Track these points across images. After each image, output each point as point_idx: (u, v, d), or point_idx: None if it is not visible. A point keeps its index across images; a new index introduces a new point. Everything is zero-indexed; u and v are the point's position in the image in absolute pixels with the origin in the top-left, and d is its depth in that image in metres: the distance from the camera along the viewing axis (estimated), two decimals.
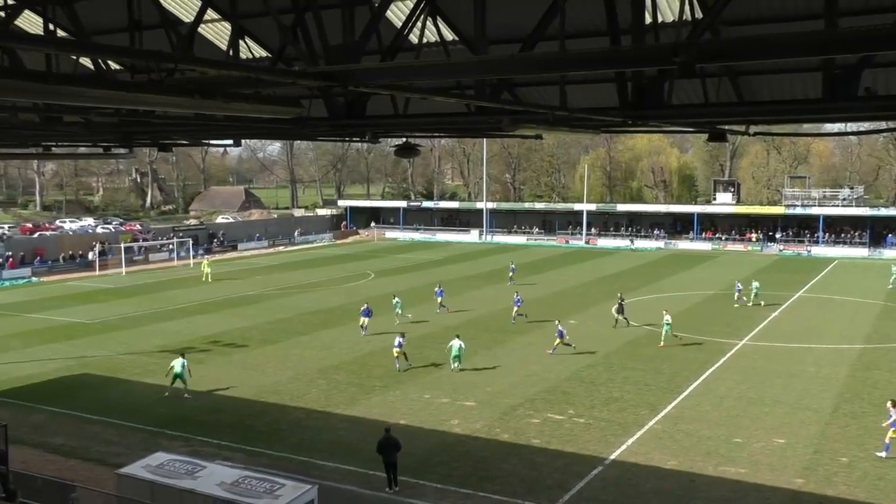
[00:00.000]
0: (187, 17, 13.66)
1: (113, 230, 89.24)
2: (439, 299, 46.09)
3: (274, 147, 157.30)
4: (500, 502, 20.48)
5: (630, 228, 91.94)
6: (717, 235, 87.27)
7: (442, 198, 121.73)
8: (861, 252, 77.54)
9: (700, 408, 27.93)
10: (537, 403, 28.48)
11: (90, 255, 70.00)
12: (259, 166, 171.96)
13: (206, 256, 71.99)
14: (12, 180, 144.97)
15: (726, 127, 17.99)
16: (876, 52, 9.34)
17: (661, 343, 36.53)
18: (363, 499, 20.81)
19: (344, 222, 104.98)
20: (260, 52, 14.73)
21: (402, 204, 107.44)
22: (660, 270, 66.31)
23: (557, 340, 35.39)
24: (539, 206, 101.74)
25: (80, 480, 20.17)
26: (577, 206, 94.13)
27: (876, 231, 79.82)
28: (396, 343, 33.29)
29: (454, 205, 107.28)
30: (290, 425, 26.59)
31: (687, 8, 10.53)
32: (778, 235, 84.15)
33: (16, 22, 13.29)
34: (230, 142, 27.26)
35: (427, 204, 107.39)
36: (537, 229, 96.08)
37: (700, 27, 8.70)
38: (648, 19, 10.43)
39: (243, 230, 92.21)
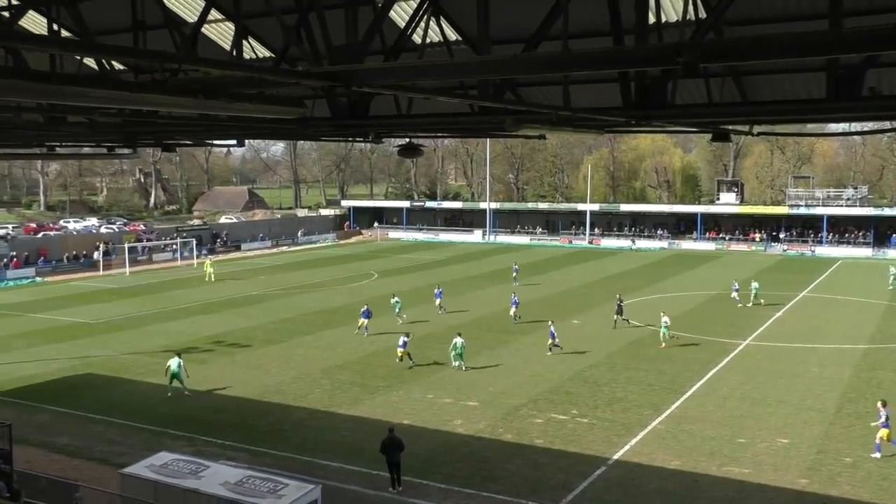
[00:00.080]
0: (191, 17, 13.67)
1: (117, 230, 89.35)
2: (438, 300, 46.11)
3: (277, 147, 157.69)
4: (504, 502, 20.47)
5: (633, 228, 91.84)
6: (720, 235, 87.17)
7: (445, 198, 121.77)
8: (865, 252, 77.38)
9: (703, 408, 27.90)
10: (540, 403, 28.47)
11: (95, 255, 70.06)
12: (262, 166, 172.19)
13: (209, 256, 72.04)
14: (16, 180, 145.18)
15: (730, 127, 17.96)
16: (880, 52, 9.31)
17: (662, 344, 36.48)
18: (367, 499, 20.82)
19: (347, 222, 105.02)
20: (263, 52, 14.74)
21: (406, 204, 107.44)
22: (663, 270, 66.24)
23: (549, 341, 35.45)
24: (542, 206, 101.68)
25: (84, 480, 20.21)
26: (580, 207, 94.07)
27: (880, 231, 79.63)
28: (401, 343, 33.55)
29: (457, 205, 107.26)
30: (294, 425, 26.61)
31: (690, 8, 10.52)
32: (782, 235, 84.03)
33: (20, 22, 13.33)
34: (234, 142, 27.29)
35: (430, 204, 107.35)
36: (540, 229, 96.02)
37: (703, 27, 8.68)
38: (652, 19, 10.41)
39: (247, 230, 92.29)
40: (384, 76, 10.11)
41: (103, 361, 35.29)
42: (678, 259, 75.22)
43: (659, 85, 12.34)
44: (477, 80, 13.56)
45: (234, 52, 11.31)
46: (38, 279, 64.34)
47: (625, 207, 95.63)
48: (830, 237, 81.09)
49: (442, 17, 12.38)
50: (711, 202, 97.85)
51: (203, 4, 11.89)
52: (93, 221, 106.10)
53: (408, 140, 20.09)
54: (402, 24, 11.98)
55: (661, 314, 37.85)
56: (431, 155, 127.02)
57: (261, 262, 74.69)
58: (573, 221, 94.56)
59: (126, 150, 26.68)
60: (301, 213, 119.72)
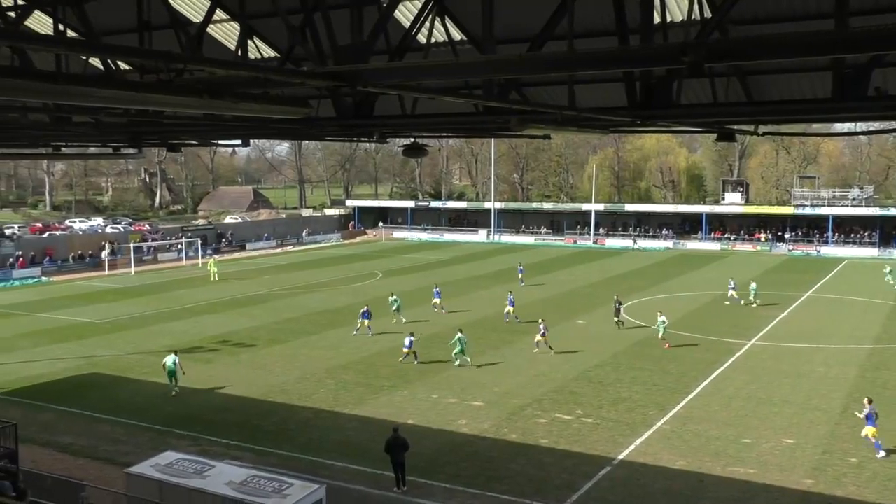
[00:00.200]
0: (196, 17, 13.70)
1: (122, 230, 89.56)
2: (437, 300, 46.11)
3: (282, 147, 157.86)
4: (509, 502, 20.47)
5: (638, 228, 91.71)
6: (725, 235, 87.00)
7: (450, 198, 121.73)
8: (871, 252, 77.17)
9: (709, 408, 27.86)
10: (545, 403, 28.45)
11: (103, 255, 70.20)
12: (267, 166, 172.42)
13: (213, 256, 72.18)
14: (22, 180, 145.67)
15: (735, 127, 17.94)
16: (886, 51, 9.30)
17: (667, 344, 36.40)
18: (371, 498, 20.83)
19: (352, 222, 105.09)
20: (268, 52, 14.76)
21: (410, 204, 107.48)
22: (668, 271, 66.16)
23: (538, 338, 35.49)
24: (547, 206, 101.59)
25: (90, 479, 20.28)
26: (585, 206, 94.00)
27: (886, 231, 79.39)
28: (407, 342, 33.70)
29: (462, 205, 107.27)
30: (299, 425, 26.64)
31: (696, 7, 10.50)
32: (787, 235, 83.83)
33: (26, 22, 13.36)
34: (239, 142, 27.34)
35: (435, 204, 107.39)
36: (545, 229, 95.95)
37: (709, 26, 8.67)
38: (657, 19, 10.40)
39: (251, 230, 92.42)
40: (389, 76, 10.12)
41: (108, 361, 35.37)
42: (683, 259, 75.11)
43: (664, 85, 12.31)
44: (482, 80, 13.56)
45: (240, 53, 11.32)
46: (43, 279, 64.51)
47: (629, 207, 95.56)
48: (836, 237, 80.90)
49: (447, 17, 12.38)
50: (716, 202, 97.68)
51: (208, 4, 11.91)
52: (98, 221, 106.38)
53: (413, 140, 20.10)
54: (406, 24, 11.99)
55: (658, 314, 37.78)
56: (436, 155, 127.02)
57: (265, 262, 74.78)
58: (578, 221, 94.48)
59: (131, 150, 26.74)
60: (306, 212, 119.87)
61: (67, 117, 17.12)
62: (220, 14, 13.15)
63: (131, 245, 70.10)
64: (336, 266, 70.24)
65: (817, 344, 37.53)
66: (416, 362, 33.57)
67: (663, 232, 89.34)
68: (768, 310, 45.96)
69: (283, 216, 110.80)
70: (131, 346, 38.19)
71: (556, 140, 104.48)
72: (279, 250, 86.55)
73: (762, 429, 25.63)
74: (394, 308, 42.61)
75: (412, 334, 34.46)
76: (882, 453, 23.04)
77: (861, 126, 38.07)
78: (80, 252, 71.46)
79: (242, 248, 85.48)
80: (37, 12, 13.75)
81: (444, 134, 37.95)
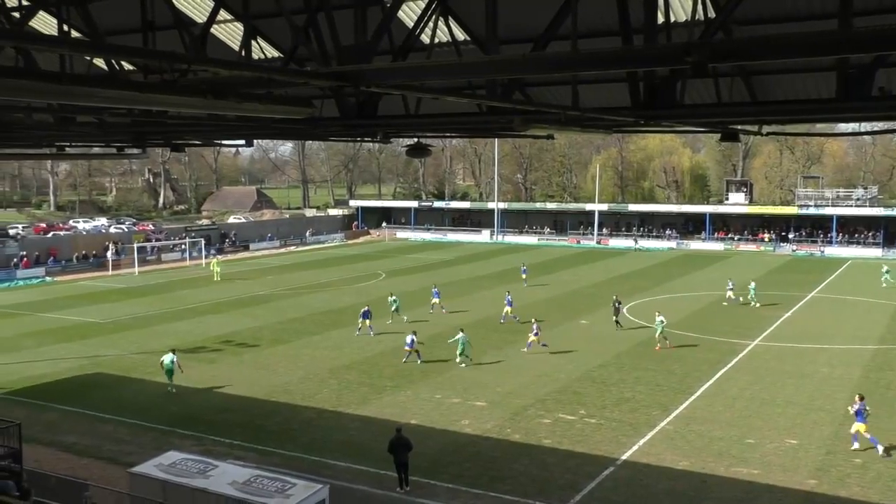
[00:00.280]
0: (200, 17, 13.72)
1: (126, 230, 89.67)
2: (436, 300, 46.14)
3: (286, 147, 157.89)
4: (512, 502, 20.46)
5: (642, 229, 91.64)
6: (729, 236, 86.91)
7: (453, 198, 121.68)
8: (875, 252, 76.99)
9: (712, 408, 27.83)
10: (548, 403, 28.44)
11: (108, 255, 70.29)
12: (271, 166, 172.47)
13: (216, 256, 72.29)
14: (26, 180, 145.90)
15: (739, 127, 17.90)
16: (890, 51, 9.28)
17: (666, 345, 36.32)
18: (374, 498, 20.84)
19: (355, 222, 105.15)
20: (272, 52, 14.77)
21: (414, 204, 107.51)
22: (671, 271, 66.10)
23: (532, 338, 35.46)
24: (550, 206, 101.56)
25: (93, 479, 20.31)
26: (588, 207, 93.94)
27: (890, 231, 79.23)
28: (409, 341, 33.75)
29: (465, 205, 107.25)
30: (302, 425, 26.66)
31: (699, 7, 10.49)
32: (791, 236, 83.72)
33: (30, 23, 13.39)
34: (242, 142, 27.35)
35: (438, 204, 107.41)
36: (548, 229, 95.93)
37: (713, 26, 8.66)
38: (661, 19, 10.39)
39: (255, 230, 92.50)
40: (392, 76, 10.12)
41: (112, 361, 35.42)
42: (687, 259, 75.03)
43: (668, 85, 12.30)
44: (485, 80, 13.55)
45: (243, 53, 11.33)
46: (47, 279, 64.63)
47: (633, 207, 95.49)
48: (840, 237, 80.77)
49: (450, 17, 12.38)
50: (720, 202, 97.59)
51: (212, 5, 11.93)
52: (102, 221, 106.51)
53: (416, 140, 20.09)
54: (410, 24, 11.99)
55: (657, 314, 37.74)
56: (439, 155, 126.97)
57: (269, 262, 74.84)
58: (581, 221, 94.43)
59: (135, 150, 26.81)
60: (309, 213, 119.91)
61: (71, 117, 17.15)
62: (223, 14, 13.16)
63: (135, 245, 70.18)
64: (339, 266, 70.28)
65: (821, 344, 37.47)
66: (419, 361, 33.62)
67: (667, 232, 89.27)
68: (771, 310, 45.90)
69: (287, 216, 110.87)
70: (135, 346, 38.24)
71: (559, 140, 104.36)
72: (283, 250, 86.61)
73: (766, 429, 25.60)
74: (393, 308, 42.67)
75: (414, 333, 34.49)
76: (880, 448, 23.14)
77: (865, 126, 38.01)
78: (83, 252, 71.59)
79: (246, 248, 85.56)
80: (41, 13, 13.78)
81: (448, 134, 37.95)
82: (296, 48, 11.30)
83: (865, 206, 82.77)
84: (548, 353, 35.39)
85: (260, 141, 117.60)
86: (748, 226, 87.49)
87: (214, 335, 40.49)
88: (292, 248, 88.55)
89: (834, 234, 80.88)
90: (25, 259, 66.27)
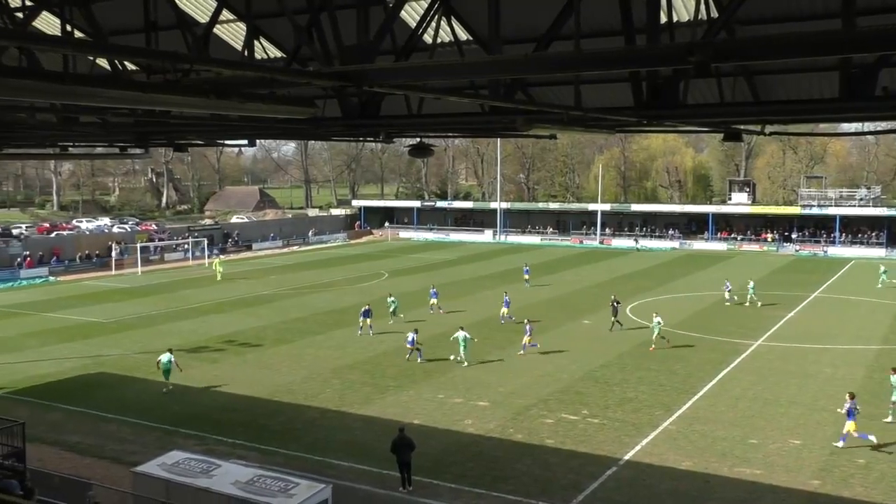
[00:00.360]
0: (203, 17, 13.72)
1: (129, 230, 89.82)
2: (434, 300, 46.14)
3: (288, 147, 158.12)
4: (514, 502, 20.46)
5: (644, 229, 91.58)
6: (732, 236, 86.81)
7: (456, 198, 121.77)
8: (878, 252, 76.85)
9: (715, 408, 27.81)
10: (551, 403, 28.43)
11: (113, 255, 70.37)
12: (274, 166, 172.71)
13: (219, 256, 72.38)
14: (30, 180, 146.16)
15: (742, 127, 17.89)
16: (894, 51, 9.25)
17: (668, 343, 36.30)
18: (377, 498, 20.85)
19: (358, 222, 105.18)
20: (275, 52, 14.77)
21: (416, 204, 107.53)
22: (674, 271, 66.06)
23: (526, 338, 35.42)
24: (553, 206, 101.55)
25: (97, 478, 20.35)
26: (591, 207, 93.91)
27: (893, 231, 79.06)
28: (410, 340, 33.87)
29: (468, 205, 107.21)
30: (305, 424, 26.68)
31: (702, 7, 10.48)
32: (794, 236, 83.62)
33: (34, 23, 13.41)
34: (245, 142, 27.38)
35: (441, 204, 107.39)
36: (551, 229, 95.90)
37: (715, 26, 8.65)
38: (663, 18, 10.38)
39: (258, 230, 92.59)
40: (395, 76, 10.12)
41: (115, 360, 35.47)
42: (689, 259, 74.97)
43: (670, 84, 12.29)
44: (488, 80, 13.55)
45: (246, 53, 11.34)
46: (51, 278, 64.73)
47: (636, 207, 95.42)
48: (843, 237, 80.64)
49: (453, 17, 12.37)
50: (723, 202, 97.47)
51: (215, 5, 11.93)
52: (105, 221, 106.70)
53: (418, 140, 20.10)
54: (413, 24, 11.99)
55: (654, 314, 37.70)
56: (442, 155, 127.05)
57: (272, 262, 74.89)
58: (584, 221, 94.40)
59: (138, 150, 26.81)
60: (312, 212, 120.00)
61: (75, 117, 17.17)
62: (226, 14, 13.16)
63: (138, 245, 70.27)
64: (342, 266, 70.32)
65: (824, 344, 37.42)
66: (419, 360, 33.66)
67: (669, 232, 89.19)
68: (775, 310, 45.84)
69: (290, 216, 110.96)
70: (138, 346, 38.29)
71: (562, 140, 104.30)
72: (285, 250, 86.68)
73: (769, 429, 25.57)
74: (391, 310, 42.70)
75: (415, 331, 34.59)
76: (873, 438, 23.48)
77: (868, 126, 37.93)
78: (87, 252, 71.71)
79: (249, 247, 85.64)
80: (44, 13, 13.80)
81: (451, 134, 37.96)
82: (298, 48, 11.30)
83: (869, 206, 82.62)
84: (549, 354, 35.37)
85: (263, 141, 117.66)
86: (751, 226, 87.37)
87: (217, 335, 40.53)
88: (295, 247, 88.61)
89: (837, 234, 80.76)
90: (29, 259, 66.39)
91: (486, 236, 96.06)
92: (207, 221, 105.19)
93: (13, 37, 9.22)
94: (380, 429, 25.21)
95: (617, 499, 20.66)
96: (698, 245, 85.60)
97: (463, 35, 12.95)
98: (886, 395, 27.37)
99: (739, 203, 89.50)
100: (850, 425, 23.53)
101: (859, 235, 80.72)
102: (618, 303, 41.77)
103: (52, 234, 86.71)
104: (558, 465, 22.85)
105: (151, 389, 30.86)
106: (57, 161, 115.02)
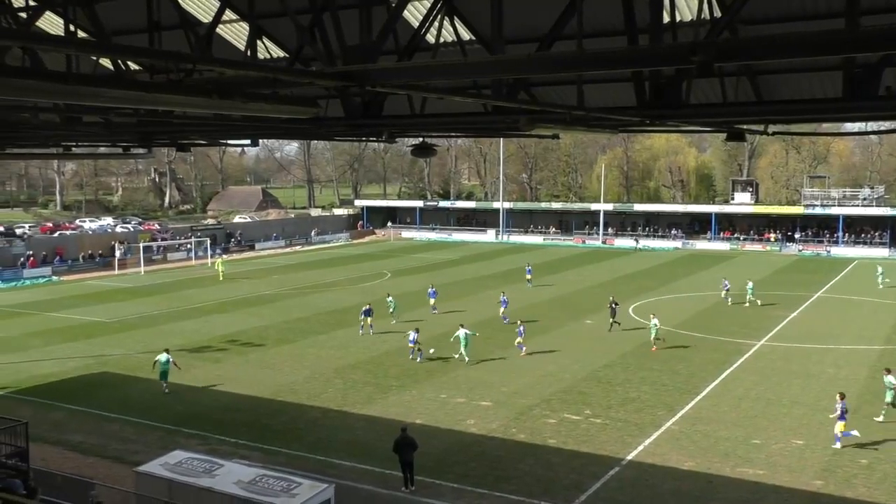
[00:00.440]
0: (205, 17, 13.73)
1: (132, 230, 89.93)
2: (432, 300, 46.16)
3: (291, 147, 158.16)
4: (516, 502, 20.46)
5: (647, 228, 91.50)
6: (735, 235, 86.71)
7: (458, 197, 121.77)
8: (881, 252, 76.74)
9: (718, 408, 27.78)
10: (553, 403, 28.42)
11: (118, 254, 70.44)
12: (276, 166, 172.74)
13: (221, 255, 72.43)
14: (33, 180, 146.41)
15: (745, 126, 17.87)
16: None
17: (662, 342, 36.21)
18: (380, 498, 20.86)
19: (360, 222, 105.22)
20: (277, 52, 14.79)
21: (419, 204, 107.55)
22: (677, 271, 66.00)
23: (518, 339, 35.39)
24: (556, 205, 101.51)
25: (99, 478, 20.38)
26: (593, 206, 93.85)
27: None
28: (411, 338, 33.96)
29: (471, 204, 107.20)
30: (307, 424, 26.69)
31: (705, 7, 10.47)
32: (797, 235, 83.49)
33: (37, 23, 13.42)
34: (248, 142, 27.39)
35: (443, 204, 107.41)
36: (554, 229, 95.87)
37: (718, 26, 8.64)
38: (666, 18, 10.37)
39: (260, 230, 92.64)
40: (398, 76, 10.12)
41: (118, 360, 35.52)
42: (692, 259, 74.90)
43: (673, 84, 12.27)
44: (490, 80, 13.55)
45: (249, 53, 11.34)
46: (54, 278, 64.82)
47: (638, 207, 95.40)
48: (846, 237, 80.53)
49: (456, 17, 12.38)
50: (726, 202, 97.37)
51: (218, 5, 11.95)
52: (108, 221, 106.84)
53: (421, 139, 20.10)
54: (415, 24, 11.99)
55: (651, 315, 37.67)
56: (445, 154, 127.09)
57: (274, 262, 74.94)
58: (587, 221, 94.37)
59: (141, 150, 26.85)
60: (314, 212, 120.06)
61: (78, 117, 17.19)
62: (229, 14, 13.17)
63: (141, 245, 70.35)
64: (345, 266, 70.35)
65: (827, 345, 37.37)
66: (419, 360, 33.73)
67: (672, 232, 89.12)
68: (777, 310, 45.78)
69: (292, 216, 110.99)
70: (141, 346, 38.32)
71: (564, 140, 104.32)
72: (288, 250, 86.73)
73: (772, 429, 25.54)
74: (390, 310, 42.73)
75: (416, 330, 34.69)
76: (855, 432, 23.79)
77: (872, 126, 37.85)
78: (90, 252, 71.80)
79: (251, 247, 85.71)
80: (48, 13, 13.82)
81: (453, 134, 37.98)
82: (301, 48, 11.30)
83: (872, 205, 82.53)
84: (552, 354, 35.37)
85: (265, 141, 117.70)
86: (754, 226, 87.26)
87: (220, 334, 40.57)
88: (297, 247, 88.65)
89: (840, 233, 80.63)
90: (32, 258, 66.49)
91: (489, 236, 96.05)
92: (210, 221, 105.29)
93: (17, 37, 9.24)
94: (382, 428, 25.22)
95: (619, 499, 20.65)
96: (701, 245, 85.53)
97: (466, 35, 12.95)
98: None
99: (742, 203, 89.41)
100: (840, 426, 23.64)
101: (862, 235, 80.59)
102: (616, 304, 41.68)
103: (56, 234, 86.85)
104: (561, 465, 22.84)
105: (154, 389, 30.87)
106: (60, 161, 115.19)
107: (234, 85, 10.82)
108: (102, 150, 32.16)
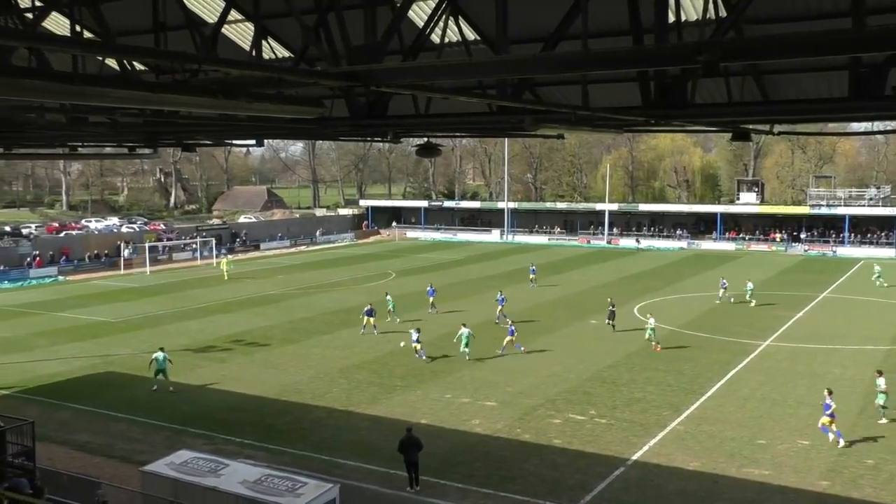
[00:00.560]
0: (211, 18, 13.76)
1: (137, 230, 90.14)
2: (431, 299, 46.15)
3: (296, 147, 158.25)
4: (521, 502, 20.45)
5: (652, 228, 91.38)
6: (740, 236, 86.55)
7: (463, 197, 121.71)
8: (888, 252, 76.50)
9: (723, 409, 27.73)
10: (558, 403, 28.40)
11: (125, 254, 70.59)
12: (281, 166, 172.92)
13: (226, 255, 72.54)
14: (39, 180, 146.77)
15: (750, 126, 17.83)
16: None
17: (658, 347, 35.91)
18: (384, 498, 20.87)
19: (365, 222, 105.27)
20: (283, 52, 14.80)
21: (424, 204, 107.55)
22: (682, 271, 65.90)
23: (508, 338, 35.35)
24: (561, 205, 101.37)
25: (105, 477, 20.42)
26: (598, 206, 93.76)
27: None
28: (414, 338, 34.05)
29: (475, 204, 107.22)
30: (312, 424, 26.72)
31: (711, 6, 10.45)
32: (803, 235, 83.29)
33: (43, 23, 13.46)
34: (253, 142, 27.47)
35: (448, 204, 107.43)
36: (559, 229, 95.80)
37: (724, 26, 8.64)
38: (672, 18, 10.36)
39: (265, 230, 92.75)
40: (403, 76, 10.13)
41: (124, 360, 35.59)
42: (698, 259, 74.78)
43: (679, 84, 12.26)
44: (495, 80, 13.54)
45: (254, 53, 11.36)
46: (60, 278, 64.98)
47: (643, 207, 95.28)
48: (852, 237, 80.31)
49: (460, 17, 12.38)
50: (731, 202, 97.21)
51: (223, 5, 11.97)
52: (114, 221, 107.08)
53: (426, 140, 20.11)
54: (420, 24, 11.99)
55: (648, 316, 37.54)
56: (449, 154, 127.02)
57: (279, 262, 75.02)
58: (591, 221, 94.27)
59: (147, 150, 26.92)
60: (319, 212, 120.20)
61: (84, 117, 17.24)
62: (234, 14, 13.20)
63: (146, 245, 70.50)
64: (349, 266, 70.39)
65: (833, 345, 37.28)
66: (424, 358, 33.85)
67: (678, 232, 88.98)
68: (783, 310, 45.69)
69: (297, 216, 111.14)
70: (146, 346, 38.33)
71: (569, 140, 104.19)
72: (293, 250, 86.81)
73: (777, 430, 25.49)
74: (388, 308, 42.75)
75: (417, 329, 34.80)
76: (831, 437, 23.93)
77: (878, 125, 37.72)
78: (96, 251, 72.00)
79: (256, 247, 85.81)
80: (54, 13, 13.86)
81: (458, 134, 37.95)
82: (306, 48, 11.32)
83: (878, 205, 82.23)
84: (557, 354, 35.36)
85: (270, 141, 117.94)
86: (759, 226, 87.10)
87: (225, 334, 40.63)
88: (302, 247, 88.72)
89: (846, 233, 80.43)
90: (38, 258, 66.69)
91: (494, 236, 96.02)
92: (215, 221, 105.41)
93: (23, 37, 9.26)
94: (387, 428, 25.24)
95: (625, 499, 20.63)
96: (706, 245, 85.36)
97: (470, 35, 12.95)
98: (889, 397, 27.23)
99: (748, 203, 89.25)
100: (825, 420, 24.04)
101: (868, 235, 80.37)
102: (613, 306, 41.44)
103: (62, 234, 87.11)
104: (566, 465, 22.83)
105: (160, 389, 30.94)
106: (66, 161, 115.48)
107: (240, 85, 10.84)
108: (108, 150, 32.25)
